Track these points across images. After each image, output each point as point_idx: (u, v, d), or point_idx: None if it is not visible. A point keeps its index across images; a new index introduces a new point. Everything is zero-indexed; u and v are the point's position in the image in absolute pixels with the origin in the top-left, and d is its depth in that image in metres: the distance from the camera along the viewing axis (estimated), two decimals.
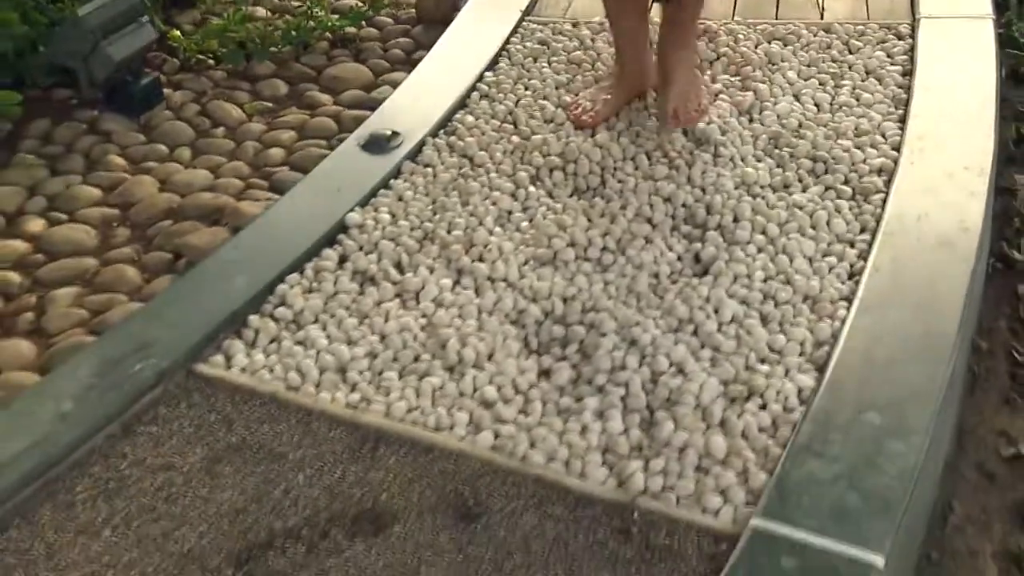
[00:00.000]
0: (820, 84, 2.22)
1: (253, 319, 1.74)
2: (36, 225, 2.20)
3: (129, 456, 1.53)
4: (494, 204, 1.96)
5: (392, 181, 2.05)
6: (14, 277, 2.05)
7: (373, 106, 2.41)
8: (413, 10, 3.00)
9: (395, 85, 2.50)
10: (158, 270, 2.06)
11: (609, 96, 2.19)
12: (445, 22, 2.74)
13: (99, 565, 1.37)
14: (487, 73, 2.38)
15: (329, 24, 2.79)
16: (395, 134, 2.15)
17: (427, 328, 1.69)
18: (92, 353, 1.65)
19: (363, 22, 2.88)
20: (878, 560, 1.24)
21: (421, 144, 2.14)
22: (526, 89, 2.30)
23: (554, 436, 1.48)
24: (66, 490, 1.47)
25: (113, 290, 2.02)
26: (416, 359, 1.66)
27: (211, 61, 2.80)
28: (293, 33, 2.75)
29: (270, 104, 2.64)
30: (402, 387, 1.60)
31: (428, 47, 2.60)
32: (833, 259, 1.75)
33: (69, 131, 2.48)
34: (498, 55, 2.43)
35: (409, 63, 2.76)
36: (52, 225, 2.20)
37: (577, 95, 2.24)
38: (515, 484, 1.45)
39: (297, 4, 2.92)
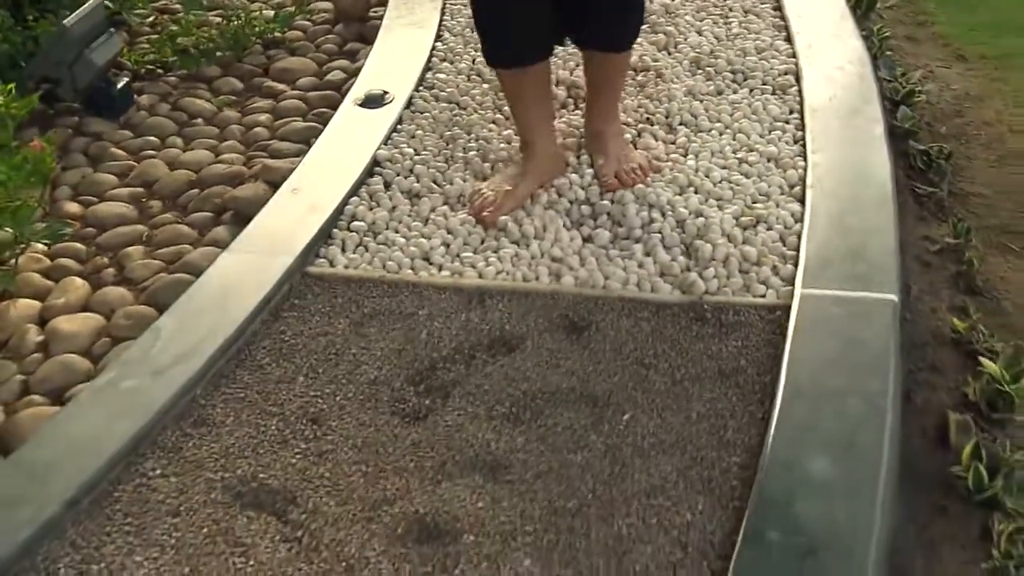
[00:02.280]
0: (713, 22, 2.80)
1: (336, 232, 2.13)
2: (73, 207, 2.47)
3: (287, 331, 1.90)
4: (494, 124, 2.41)
5: (399, 126, 2.47)
6: (79, 245, 2.33)
7: (333, 87, 2.81)
8: (326, 13, 3.37)
9: (346, 71, 2.90)
10: (205, 226, 2.39)
11: (513, 186, 2.13)
12: (363, 19, 3.16)
13: (308, 398, 1.74)
14: (437, 44, 2.82)
15: (263, 28, 3.15)
16: (385, 92, 2.57)
17: (480, 222, 2.12)
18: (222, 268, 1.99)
19: (287, 26, 3.24)
20: (894, 298, 1.79)
21: (410, 98, 2.57)
22: (476, 51, 2.77)
23: (620, 270, 1.95)
24: (250, 359, 1.83)
25: (175, 243, 2.32)
26: (482, 241, 2.10)
27: (160, 70, 3.11)
28: (231, 38, 3.09)
29: (234, 97, 2.98)
30: (483, 260, 2.03)
31: (356, 40, 3.03)
32: (778, 132, 2.31)
33: (59, 136, 2.69)
34: (439, 31, 2.87)
35: (344, 54, 3.16)
36: (88, 206, 2.47)
37: (478, 188, 2.17)
38: (605, 304, 1.91)
39: (229, 11, 3.24)
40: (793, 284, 1.83)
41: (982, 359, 1.78)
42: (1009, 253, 2.19)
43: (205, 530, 1.48)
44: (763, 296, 1.85)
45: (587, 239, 2.06)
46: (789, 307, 1.78)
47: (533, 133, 2.17)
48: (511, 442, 1.59)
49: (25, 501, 1.48)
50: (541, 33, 2.11)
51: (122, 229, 2.37)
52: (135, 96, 2.90)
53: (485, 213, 2.08)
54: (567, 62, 2.55)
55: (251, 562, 1.42)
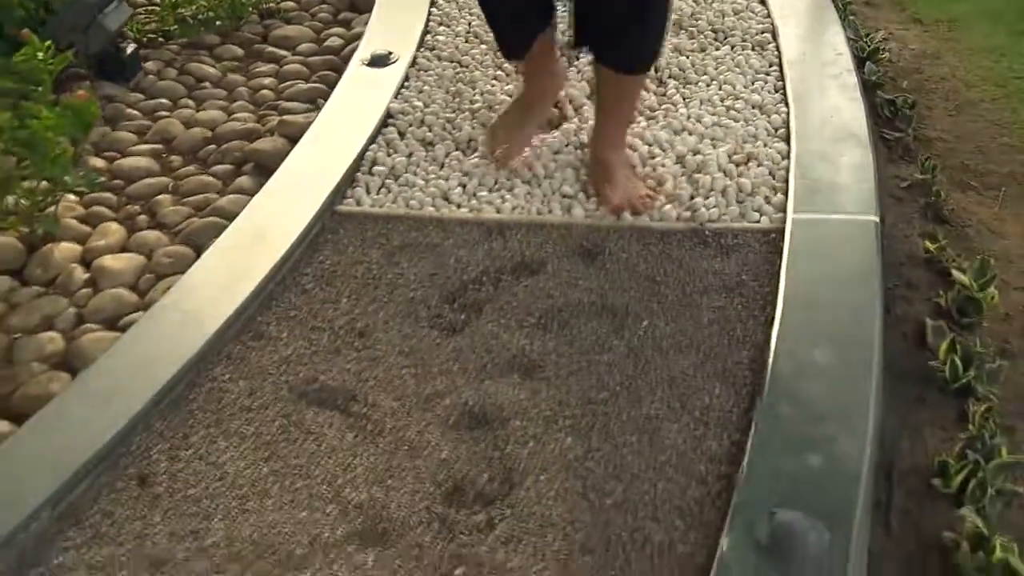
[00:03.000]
0: None
1: (359, 176, 2.33)
2: (98, 162, 2.62)
3: (326, 261, 2.09)
4: (496, 80, 2.62)
5: (406, 83, 2.66)
6: (110, 195, 2.50)
7: (332, 52, 2.99)
8: None
9: (343, 37, 3.08)
10: (228, 177, 2.57)
11: (520, 126, 2.32)
12: None
13: (353, 315, 1.93)
14: (432, 9, 3.02)
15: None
16: (390, 52, 2.77)
17: (495, 162, 2.31)
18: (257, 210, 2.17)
19: None
20: (875, 219, 2.03)
21: (413, 58, 2.77)
22: (471, 14, 2.97)
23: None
24: (295, 284, 2.02)
25: (202, 192, 2.50)
26: (496, 182, 2.31)
27: (161, 39, 3.28)
28: (228, 7, 3.25)
29: (236, 63, 3.16)
30: (499, 198, 2.24)
31: (348, 10, 3.21)
32: (760, 83, 2.54)
33: None
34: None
35: (338, 23, 3.34)
36: (112, 161, 2.63)
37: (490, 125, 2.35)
38: (615, 232, 2.12)
39: None
40: (784, 211, 2.06)
41: (953, 271, 2.01)
42: (969, 189, 2.44)
43: (277, 423, 1.66)
44: (758, 222, 2.07)
45: None
46: (782, 230, 2.01)
47: (535, 76, 2.31)
48: (543, 346, 1.79)
49: (116, 397, 1.66)
50: (535, 16, 2.18)
51: (148, 180, 2.52)
52: (141, 62, 3.04)
53: (500, 155, 2.24)
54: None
55: (323, 446, 1.61)
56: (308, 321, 1.88)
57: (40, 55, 2.29)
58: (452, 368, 1.75)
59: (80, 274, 2.18)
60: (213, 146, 2.65)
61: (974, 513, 1.52)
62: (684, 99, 2.45)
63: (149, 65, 3.07)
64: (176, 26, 3.19)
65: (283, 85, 2.95)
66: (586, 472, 1.54)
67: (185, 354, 1.76)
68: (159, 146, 2.69)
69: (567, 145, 2.33)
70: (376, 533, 1.45)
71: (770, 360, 1.68)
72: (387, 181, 2.28)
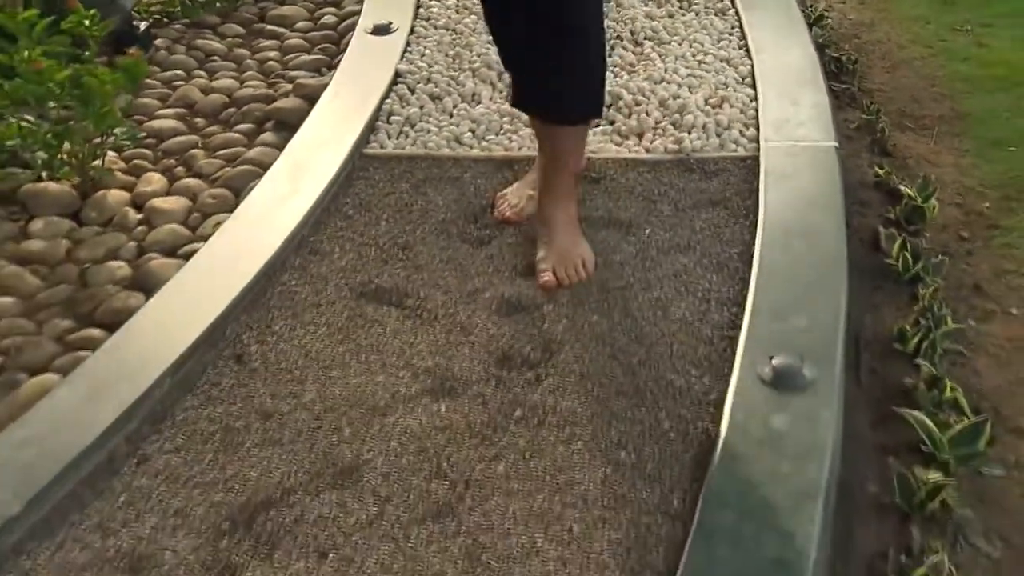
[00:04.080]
0: None
1: (379, 125, 2.65)
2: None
3: (362, 192, 2.40)
4: (490, 44, 2.95)
5: (408, 48, 2.99)
6: (146, 151, 2.79)
7: (329, 28, 3.30)
8: None
9: (337, 15, 3.38)
10: (252, 134, 2.88)
11: (533, 191, 2.18)
12: None
13: (393, 234, 2.23)
14: None
15: None
16: (390, 23, 3.10)
17: (501, 111, 2.65)
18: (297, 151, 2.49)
19: None
20: (835, 144, 2.41)
21: (412, 27, 3.10)
22: None
23: (618, 137, 2.52)
24: (338, 211, 2.33)
25: (231, 147, 2.81)
26: (501, 127, 2.65)
27: (165, 19, 3.57)
28: None
29: (240, 39, 3.47)
30: (507, 139, 2.59)
31: None
32: (726, 41, 2.91)
33: None
34: None
35: (329, 3, 3.65)
36: (142, 124, 2.93)
37: (502, 194, 2.29)
38: (612, 163, 2.46)
39: None
40: (757, 141, 2.42)
41: (901, 187, 2.40)
42: (908, 130, 2.84)
43: (344, 315, 1.98)
44: (735, 151, 2.43)
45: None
46: (757, 157, 2.37)
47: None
48: None
49: (205, 298, 1.96)
50: None
51: (179, 138, 2.81)
52: (152, 39, 3.33)
53: (508, 214, 2.21)
54: None
55: (387, 330, 1.94)
56: (355, 239, 2.19)
57: (87, 22, 2.57)
58: (487, 270, 2.08)
59: (133, 215, 2.46)
60: (233, 109, 2.94)
61: (928, 363, 1.89)
62: (660, 56, 2.81)
63: (159, 42, 3.34)
64: (179, 7, 3.46)
65: (287, 57, 3.25)
66: (613, 340, 1.88)
67: (255, 265, 2.07)
68: (183, 110, 2.97)
69: None
70: (445, 389, 1.78)
71: (756, 254, 2.03)
72: (404, 128, 2.59)
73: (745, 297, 1.91)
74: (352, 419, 1.70)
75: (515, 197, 2.21)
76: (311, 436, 1.67)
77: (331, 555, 1.46)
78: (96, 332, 2.05)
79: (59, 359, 1.98)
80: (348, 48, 2.96)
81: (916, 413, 1.75)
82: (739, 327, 1.84)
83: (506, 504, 1.53)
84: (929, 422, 1.72)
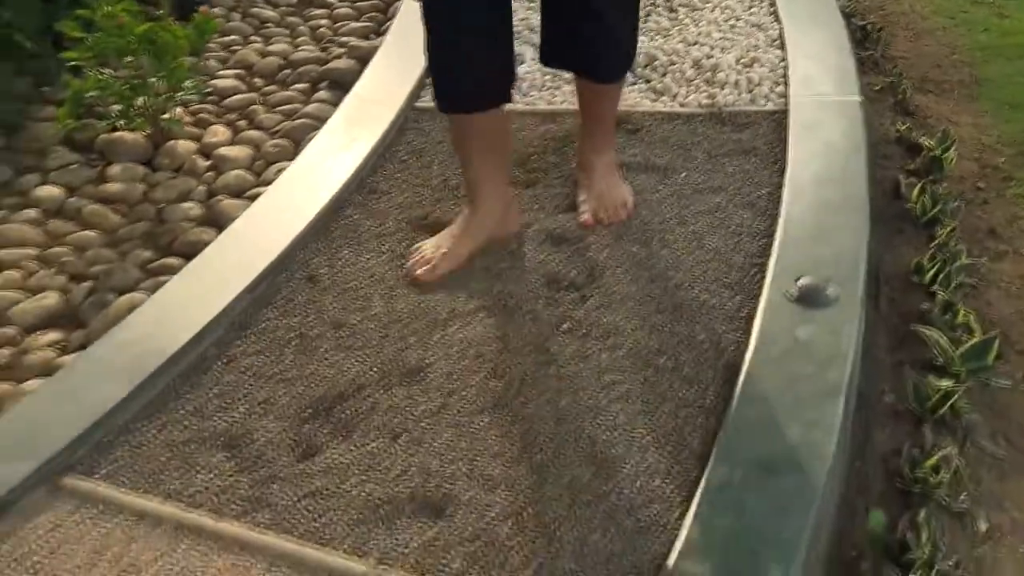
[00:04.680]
0: None
1: (428, 82, 2.84)
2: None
3: (415, 140, 2.59)
4: (530, 11, 3.15)
5: None
6: (210, 106, 3.00)
7: None
8: None
9: None
10: (307, 93, 3.08)
11: (451, 247, 2.04)
12: None
13: (445, 176, 2.42)
14: None
15: None
16: None
17: (542, 70, 2.82)
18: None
19: None
20: (858, 98, 2.59)
21: None
22: None
23: (654, 94, 2.71)
24: (393, 157, 2.52)
25: (288, 103, 3.01)
26: (544, 84, 2.84)
27: None
28: None
29: (292, 8, 3.67)
30: (549, 94, 2.77)
31: None
32: (756, 8, 3.09)
33: None
34: None
35: None
36: (204, 83, 3.13)
37: (418, 245, 2.08)
38: (648, 116, 2.65)
39: None
40: (786, 97, 2.60)
41: (921, 140, 2.57)
42: (929, 92, 3.01)
43: (404, 243, 2.18)
44: (765, 106, 2.61)
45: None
46: (786, 111, 2.55)
47: (481, 186, 2.05)
48: None
49: (276, 228, 2.16)
50: (500, 75, 2.00)
51: (239, 96, 3.02)
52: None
53: (419, 271, 2.02)
54: None
55: None
56: (411, 180, 2.39)
57: None
58: (533, 207, 2.27)
59: (202, 162, 2.67)
60: (288, 70, 3.14)
61: (943, 291, 2.07)
62: (693, 21, 2.99)
63: (216, 10, 3.55)
64: None
65: (337, 25, 3.44)
66: (651, 266, 2.07)
67: (321, 201, 2.26)
68: (241, 71, 3.17)
69: None
70: (498, 305, 1.97)
71: (785, 194, 2.22)
72: None
73: (774, 231, 2.09)
74: (415, 329, 1.89)
75: (432, 251, 2.06)
76: (379, 343, 1.86)
77: (402, 437, 1.66)
78: (175, 260, 2.26)
79: (143, 283, 2.18)
80: (398, 13, 3.14)
81: (930, 330, 1.92)
82: (768, 258, 2.01)
83: (557, 399, 1.72)
84: (942, 339, 1.90)
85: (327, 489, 1.55)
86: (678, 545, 1.41)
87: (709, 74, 2.70)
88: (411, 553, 1.45)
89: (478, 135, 2.00)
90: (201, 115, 2.86)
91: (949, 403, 1.78)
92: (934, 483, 1.65)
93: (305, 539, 1.46)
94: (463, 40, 1.88)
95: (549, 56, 2.05)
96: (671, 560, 1.39)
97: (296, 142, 2.69)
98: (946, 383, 1.81)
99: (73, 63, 2.57)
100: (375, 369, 1.79)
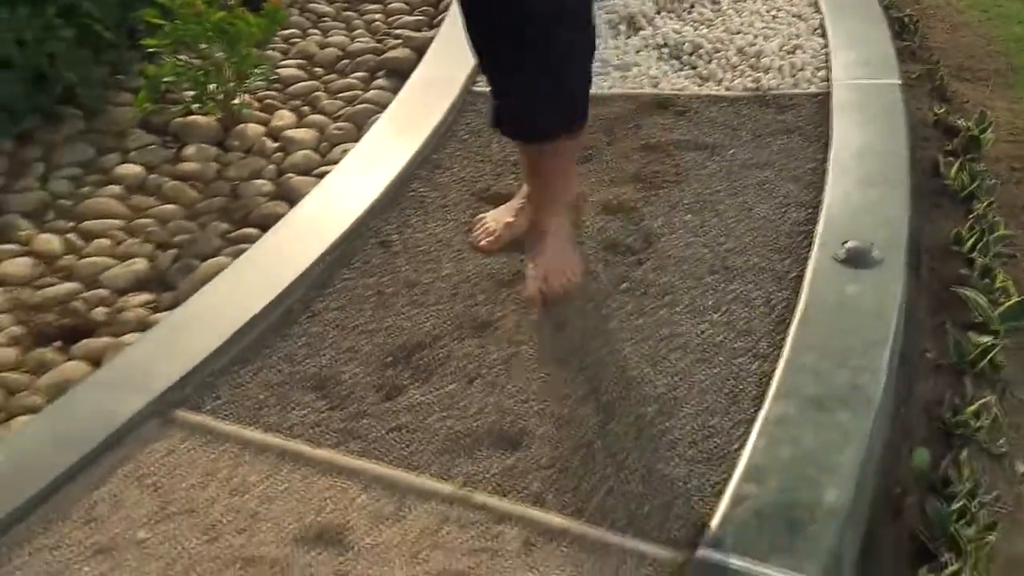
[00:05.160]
0: None
1: None
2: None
3: (472, 122, 2.74)
4: None
5: None
6: (275, 92, 3.16)
7: None
8: None
9: None
10: (366, 81, 3.24)
11: (513, 219, 2.10)
12: None
13: (504, 153, 2.58)
14: None
15: None
16: None
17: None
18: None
19: None
20: (898, 82, 2.72)
21: None
22: None
23: (710, 81, 2.86)
24: (455, 136, 2.68)
25: (348, 90, 3.17)
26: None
27: None
28: None
29: (347, 3, 3.84)
30: (601, 81, 2.92)
31: None
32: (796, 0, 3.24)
33: None
34: None
35: None
36: (272, 71, 3.30)
37: (481, 217, 2.20)
38: (695, 99, 2.79)
39: None
40: (828, 80, 2.74)
41: (960, 121, 2.71)
42: (964, 81, 3.14)
43: (468, 212, 2.32)
44: (808, 89, 2.75)
45: (674, 57, 2.94)
46: (828, 93, 2.69)
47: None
48: (658, 166, 2.47)
49: (347, 197, 2.32)
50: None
51: (302, 84, 3.18)
52: None
53: (483, 242, 2.12)
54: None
55: None
56: (472, 156, 2.54)
57: None
58: (589, 180, 2.42)
59: (270, 144, 2.83)
60: (347, 60, 3.31)
61: (982, 257, 2.20)
62: (736, 12, 3.14)
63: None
64: None
65: (391, 19, 3.61)
66: (704, 233, 2.21)
67: (388, 175, 2.42)
68: (302, 61, 3.34)
69: (647, 43, 3.00)
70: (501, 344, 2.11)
71: (829, 169, 2.35)
72: None
73: (820, 202, 2.23)
74: (483, 288, 2.04)
75: (494, 223, 2.13)
76: (450, 300, 2.01)
77: (477, 381, 1.81)
78: (252, 231, 2.41)
79: (224, 250, 2.34)
80: (450, 7, 3.29)
81: (970, 291, 2.05)
82: (815, 225, 2.15)
83: (619, 350, 1.87)
84: (981, 299, 2.03)
85: (411, 424, 1.70)
86: (738, 471, 1.54)
87: (753, 60, 2.83)
88: (492, 478, 1.59)
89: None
90: (267, 101, 3.02)
91: (988, 357, 1.91)
92: (974, 427, 1.78)
93: (395, 465, 1.61)
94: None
95: (494, 120, 1.97)
96: (732, 483, 1.52)
97: (359, 126, 2.85)
98: (985, 339, 1.93)
99: (152, 50, 2.73)
100: (448, 322, 1.93)
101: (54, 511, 1.53)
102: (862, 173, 2.25)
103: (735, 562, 1.38)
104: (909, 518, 1.67)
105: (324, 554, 1.45)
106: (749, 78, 2.75)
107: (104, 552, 1.46)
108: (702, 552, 1.41)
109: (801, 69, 2.76)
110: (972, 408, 1.80)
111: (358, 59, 3.25)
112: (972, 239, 2.23)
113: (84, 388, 1.77)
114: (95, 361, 1.99)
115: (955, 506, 1.60)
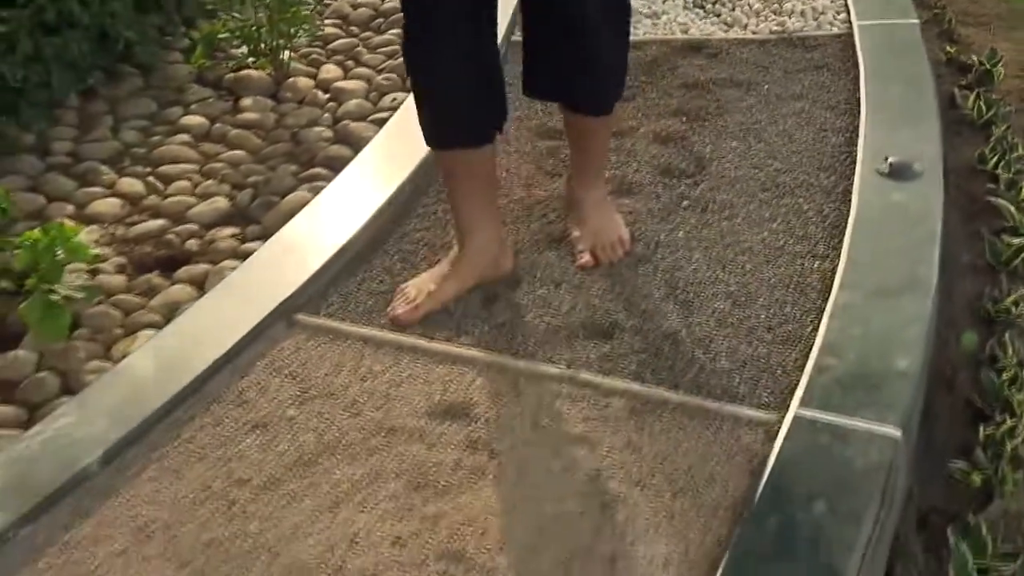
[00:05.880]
0: None
1: None
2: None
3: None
4: None
5: None
6: (318, 49, 3.34)
7: None
8: None
9: None
10: None
11: (437, 287, 1.92)
12: None
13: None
14: None
15: None
16: None
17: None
18: None
19: None
20: (916, 21, 2.94)
21: None
22: None
23: (735, 27, 3.06)
24: None
25: (389, 45, 3.34)
26: None
27: None
28: None
29: None
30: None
31: None
32: None
33: None
34: None
35: None
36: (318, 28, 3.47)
37: (402, 287, 1.97)
38: (724, 43, 2.99)
39: None
40: (850, 23, 2.95)
41: (973, 56, 2.92)
42: (969, 26, 3.35)
43: (530, 145, 2.52)
44: (831, 30, 2.96)
45: (697, 6, 3.15)
46: (851, 33, 2.90)
47: (471, 224, 1.93)
48: (699, 101, 2.66)
49: (410, 143, 2.50)
50: (489, 112, 1.94)
51: (341, 40, 3.36)
52: None
53: (399, 312, 1.90)
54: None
55: (565, 157, 2.48)
56: (522, 99, 2.73)
57: None
58: (638, 115, 2.61)
59: (322, 95, 3.01)
60: (381, 19, 3.48)
61: (1007, 172, 2.42)
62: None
63: None
64: None
65: None
66: (752, 156, 2.41)
67: None
68: (338, 21, 3.51)
69: None
70: (624, 189, 2.31)
71: (862, 97, 2.56)
72: None
73: (856, 126, 2.43)
74: (554, 208, 2.24)
75: (415, 291, 1.94)
76: (526, 219, 2.20)
77: (563, 285, 2.00)
78: (321, 171, 2.59)
79: (299, 187, 2.52)
80: None
81: (1001, 199, 2.27)
82: (855, 145, 2.36)
83: (689, 255, 2.07)
84: (1011, 206, 2.25)
85: (512, 321, 1.89)
86: (816, 347, 1.75)
87: (775, 5, 3.04)
88: (593, 362, 1.79)
89: (474, 169, 1.92)
90: (312, 57, 3.19)
91: (1021, 256, 2.12)
92: (1015, 314, 2.00)
93: (504, 354, 1.80)
94: (448, 70, 1.83)
95: (532, 86, 1.95)
96: (812, 358, 1.73)
97: (403, 77, 3.02)
98: (1018, 240, 2.15)
99: (210, 7, 2.90)
100: (526, 238, 2.13)
101: (209, 397, 1.71)
102: (893, 99, 2.46)
103: (827, 417, 1.58)
104: (962, 390, 1.87)
105: (455, 425, 1.64)
106: (773, 22, 2.94)
107: (260, 427, 1.65)
108: (796, 411, 1.60)
109: (822, 13, 2.96)
110: (1011, 299, 2.01)
111: (391, 18, 3.41)
112: (995, 158, 2.44)
113: (209, 299, 1.94)
114: (198, 285, 2.16)
115: (1006, 375, 1.81)
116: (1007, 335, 1.93)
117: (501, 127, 1.92)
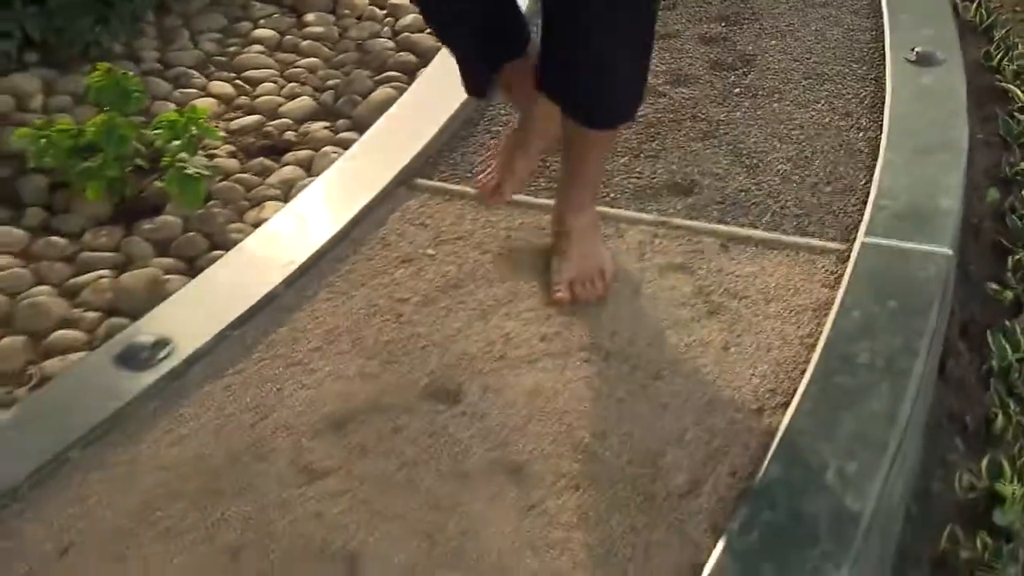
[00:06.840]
0: None
1: None
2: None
3: None
4: None
5: None
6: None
7: None
8: None
9: None
10: None
11: (516, 156, 1.96)
12: None
13: None
14: None
15: None
16: None
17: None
18: None
19: None
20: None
21: None
22: None
23: None
24: None
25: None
26: None
27: None
28: None
29: None
30: None
31: None
32: None
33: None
34: None
35: None
36: None
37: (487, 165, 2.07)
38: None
39: None
40: None
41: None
42: None
43: None
44: None
45: None
46: None
47: (527, 99, 1.91)
48: (735, 8, 2.99)
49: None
50: (507, 42, 1.91)
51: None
52: None
53: (489, 200, 2.06)
54: None
55: None
56: None
57: None
58: (682, 20, 2.93)
59: (379, 11, 3.29)
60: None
61: (1011, 65, 2.77)
62: None
63: None
64: None
65: None
66: (789, 52, 2.74)
67: None
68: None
69: None
70: (679, 80, 2.62)
71: (883, 3, 2.91)
72: None
73: (881, 26, 2.78)
74: None
75: (498, 171, 2.01)
76: None
77: (640, 155, 2.33)
78: (395, 74, 2.89)
79: (379, 88, 2.82)
80: None
81: (1009, 85, 2.63)
82: (881, 41, 2.70)
83: (748, 131, 2.40)
84: (1019, 90, 2.61)
85: (602, 182, 2.21)
86: (872, 193, 2.09)
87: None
88: (680, 211, 2.12)
89: (509, 72, 1.92)
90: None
91: None
92: None
93: (602, 205, 2.13)
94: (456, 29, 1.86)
95: (544, 81, 1.81)
96: (870, 202, 2.07)
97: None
98: None
99: None
100: None
101: (357, 241, 2.03)
102: (921, 34, 2.76)
103: (890, 242, 1.93)
104: (988, 236, 2.24)
105: None
106: None
107: (407, 262, 1.96)
108: (863, 239, 1.95)
109: None
110: None
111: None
112: (999, 55, 2.79)
113: (335, 169, 2.25)
114: (306, 167, 2.45)
115: None
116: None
117: (524, 48, 1.89)
